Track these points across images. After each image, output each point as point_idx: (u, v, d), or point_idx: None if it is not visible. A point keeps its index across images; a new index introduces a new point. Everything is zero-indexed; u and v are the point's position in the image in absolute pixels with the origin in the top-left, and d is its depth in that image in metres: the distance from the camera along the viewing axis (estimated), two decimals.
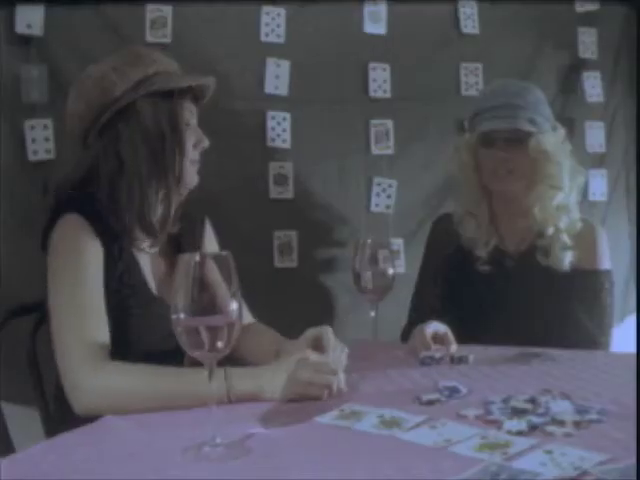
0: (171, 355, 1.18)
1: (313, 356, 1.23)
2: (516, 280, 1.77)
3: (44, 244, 1.35)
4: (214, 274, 0.91)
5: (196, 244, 1.51)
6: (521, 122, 1.72)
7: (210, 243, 1.58)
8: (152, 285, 1.40)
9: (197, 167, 1.44)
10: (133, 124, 1.36)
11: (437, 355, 1.44)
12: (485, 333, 1.63)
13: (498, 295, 1.76)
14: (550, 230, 1.75)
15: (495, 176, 1.76)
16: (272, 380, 1.16)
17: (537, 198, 1.75)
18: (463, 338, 1.55)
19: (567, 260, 1.74)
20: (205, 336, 0.90)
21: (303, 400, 1.14)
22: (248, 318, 1.56)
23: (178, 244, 1.48)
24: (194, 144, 1.42)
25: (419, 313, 1.81)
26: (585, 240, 1.77)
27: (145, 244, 1.40)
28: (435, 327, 1.53)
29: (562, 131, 1.81)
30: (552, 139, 1.76)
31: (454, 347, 1.49)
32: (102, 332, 1.25)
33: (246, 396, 1.15)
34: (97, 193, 1.36)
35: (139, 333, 1.33)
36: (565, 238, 1.75)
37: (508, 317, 1.71)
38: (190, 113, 1.43)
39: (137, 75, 1.36)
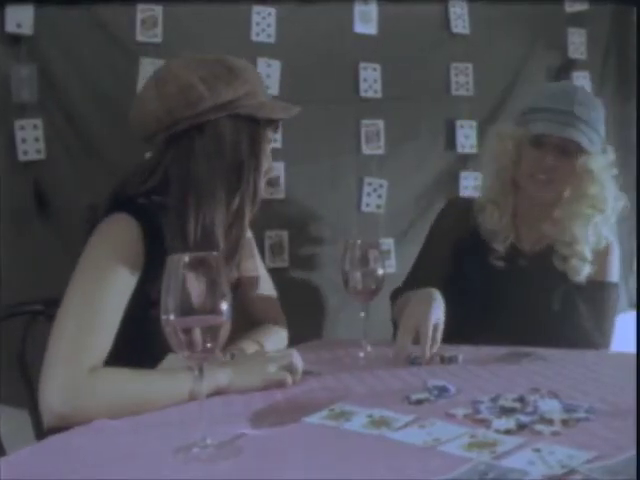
0: None
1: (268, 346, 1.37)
2: (526, 280, 1.77)
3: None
4: (204, 275, 0.91)
5: None
6: (582, 137, 1.68)
7: (249, 247, 1.56)
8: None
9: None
10: (210, 140, 1.31)
11: None
12: (485, 328, 1.64)
13: (507, 292, 1.75)
14: (578, 247, 1.74)
15: (533, 179, 1.73)
16: (236, 373, 1.22)
17: (576, 216, 1.74)
18: (463, 331, 1.54)
19: (585, 273, 1.74)
20: (193, 337, 0.90)
21: (273, 388, 1.23)
22: (270, 290, 1.64)
23: None
24: (265, 172, 1.39)
25: (415, 282, 1.80)
26: (600, 253, 1.78)
27: None
28: (435, 318, 1.46)
29: (612, 155, 1.77)
30: (601, 161, 1.73)
31: (437, 344, 1.45)
32: (100, 348, 1.16)
33: (213, 389, 1.17)
34: (164, 201, 1.30)
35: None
36: (588, 253, 1.74)
37: (511, 315, 1.71)
38: (268, 141, 1.39)
39: (228, 94, 1.30)
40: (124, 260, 1.23)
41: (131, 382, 1.14)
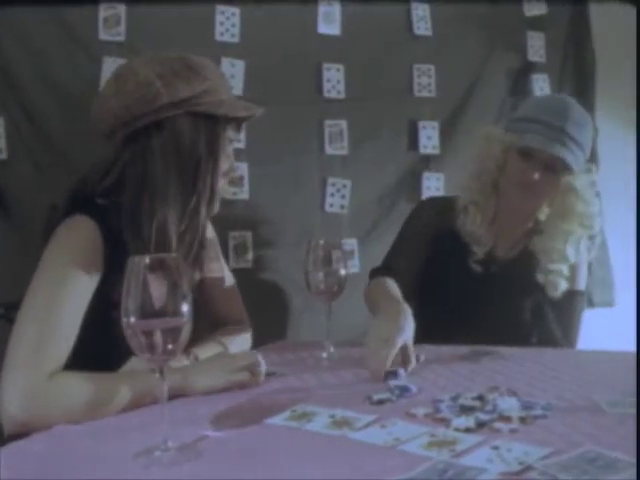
0: None
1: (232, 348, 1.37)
2: (498, 286, 1.78)
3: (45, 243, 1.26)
4: (164, 277, 0.91)
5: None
6: (569, 156, 1.66)
7: (214, 249, 1.55)
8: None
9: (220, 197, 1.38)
10: (168, 137, 1.29)
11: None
12: (459, 332, 1.63)
13: (481, 297, 1.76)
14: (564, 264, 1.75)
15: (517, 188, 1.72)
16: (197, 374, 1.22)
17: (565, 234, 1.75)
18: (438, 333, 1.55)
19: (562, 289, 1.75)
20: (154, 339, 0.90)
21: (235, 390, 1.23)
22: (234, 292, 1.66)
23: None
24: (224, 172, 1.37)
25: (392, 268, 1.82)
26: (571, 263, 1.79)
27: None
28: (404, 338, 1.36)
29: (594, 176, 1.77)
30: (585, 179, 1.74)
31: (412, 364, 1.36)
32: (60, 352, 1.15)
33: (174, 391, 1.15)
34: (121, 201, 1.29)
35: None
36: (567, 270, 1.76)
37: (483, 320, 1.71)
38: (229, 141, 1.38)
39: (185, 92, 1.28)
40: (84, 263, 1.22)
41: (91, 386, 1.13)
